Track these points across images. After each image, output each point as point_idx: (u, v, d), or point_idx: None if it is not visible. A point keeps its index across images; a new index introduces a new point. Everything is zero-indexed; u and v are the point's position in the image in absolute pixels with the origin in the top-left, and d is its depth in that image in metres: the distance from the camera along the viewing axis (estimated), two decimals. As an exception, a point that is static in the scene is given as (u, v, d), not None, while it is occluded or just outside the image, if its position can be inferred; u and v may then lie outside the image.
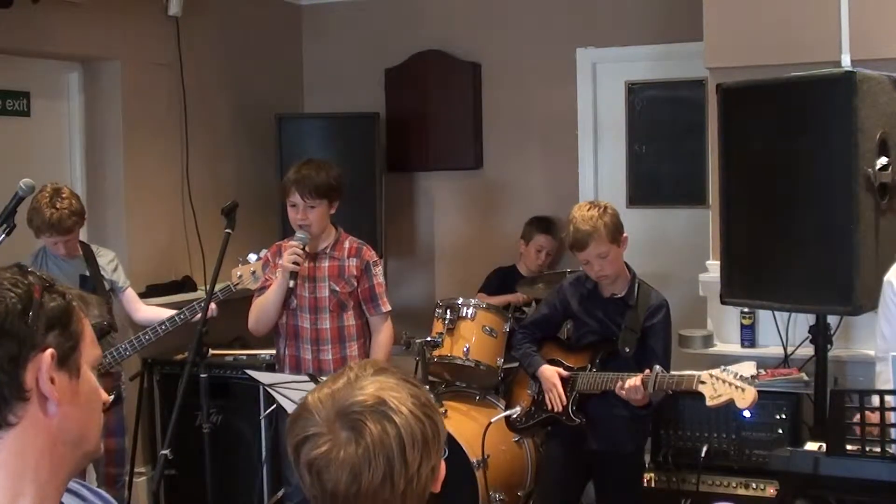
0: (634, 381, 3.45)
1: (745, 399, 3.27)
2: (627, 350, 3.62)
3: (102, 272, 4.31)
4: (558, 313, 3.88)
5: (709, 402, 3.34)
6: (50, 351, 1.24)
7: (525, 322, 4.21)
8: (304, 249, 3.87)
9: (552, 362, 3.82)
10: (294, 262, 3.83)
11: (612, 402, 3.62)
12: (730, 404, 3.31)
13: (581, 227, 3.54)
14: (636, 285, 3.70)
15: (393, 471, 1.37)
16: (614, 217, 3.61)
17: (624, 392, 3.48)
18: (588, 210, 3.60)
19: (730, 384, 3.30)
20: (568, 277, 3.99)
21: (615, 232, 3.58)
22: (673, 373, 3.50)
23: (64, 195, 4.09)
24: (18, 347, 1.22)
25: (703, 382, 3.34)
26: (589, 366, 3.71)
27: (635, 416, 3.64)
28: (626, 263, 3.73)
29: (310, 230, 3.90)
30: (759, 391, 3.35)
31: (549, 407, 3.74)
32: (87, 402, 1.31)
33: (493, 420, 4.23)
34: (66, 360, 1.27)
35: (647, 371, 3.45)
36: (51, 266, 4.17)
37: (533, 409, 3.89)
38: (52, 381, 1.24)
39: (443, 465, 1.48)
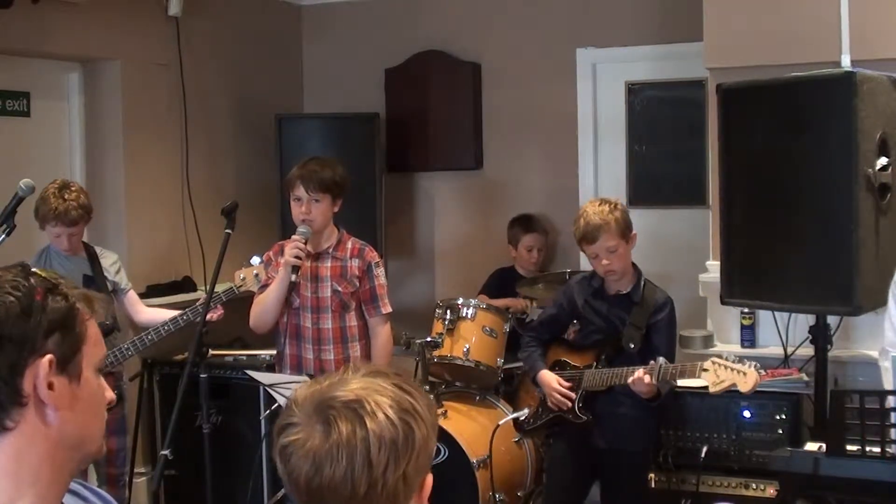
0: (639, 372, 3.47)
1: (746, 382, 3.25)
2: (632, 346, 3.63)
3: (105, 273, 4.32)
4: (565, 312, 3.91)
5: (711, 389, 3.35)
6: (49, 357, 1.22)
7: (533, 323, 4.22)
8: (305, 244, 3.86)
9: (558, 362, 3.84)
10: (296, 257, 3.82)
11: (618, 400, 3.65)
12: (733, 388, 3.29)
13: (592, 220, 3.62)
14: (642, 283, 3.72)
15: (354, 470, 1.37)
16: (624, 213, 3.69)
17: (631, 383, 3.49)
18: (599, 205, 3.69)
19: (731, 369, 3.29)
20: (575, 277, 4.02)
21: (625, 228, 3.65)
22: (676, 363, 3.52)
23: (73, 188, 4.18)
24: (17, 352, 1.20)
25: (705, 370, 3.36)
26: (595, 363, 3.72)
27: (643, 413, 3.65)
28: (632, 262, 3.75)
29: (312, 226, 3.88)
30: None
31: (556, 407, 3.75)
32: (88, 405, 1.29)
33: (500, 423, 4.24)
34: (67, 365, 1.25)
35: (651, 363, 3.47)
36: (55, 265, 4.17)
37: (540, 409, 3.91)
38: (51, 386, 1.23)
39: (428, 479, 1.46)
